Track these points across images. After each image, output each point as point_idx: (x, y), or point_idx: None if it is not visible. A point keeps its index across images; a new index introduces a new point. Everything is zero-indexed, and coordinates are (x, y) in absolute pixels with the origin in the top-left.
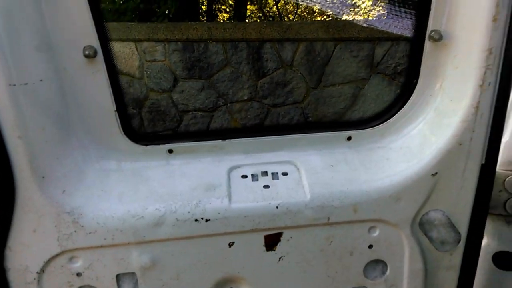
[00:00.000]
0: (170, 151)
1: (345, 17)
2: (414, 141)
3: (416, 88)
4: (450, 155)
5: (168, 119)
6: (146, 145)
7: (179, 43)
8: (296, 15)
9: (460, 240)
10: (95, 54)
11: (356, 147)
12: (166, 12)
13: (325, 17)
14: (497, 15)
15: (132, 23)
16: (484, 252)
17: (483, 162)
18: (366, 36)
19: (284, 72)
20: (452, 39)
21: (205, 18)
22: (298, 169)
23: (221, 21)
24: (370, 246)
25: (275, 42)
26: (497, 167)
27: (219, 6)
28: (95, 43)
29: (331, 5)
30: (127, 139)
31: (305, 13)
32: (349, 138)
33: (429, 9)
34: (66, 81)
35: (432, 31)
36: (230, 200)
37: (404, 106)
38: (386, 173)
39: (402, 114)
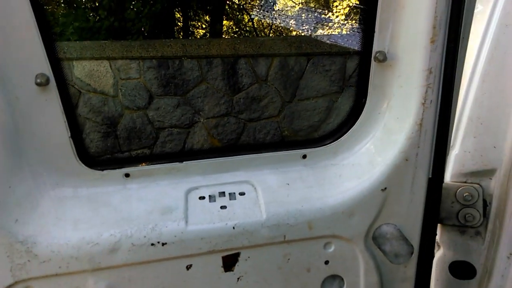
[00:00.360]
0: (127, 175)
1: (318, 32)
2: (365, 158)
3: (365, 107)
4: (398, 170)
5: (144, 136)
6: (102, 170)
7: (153, 60)
8: (271, 31)
9: (413, 252)
10: (47, 82)
11: (311, 164)
12: (142, 30)
13: (298, 32)
14: (434, 37)
15: (106, 41)
16: (440, 262)
17: (430, 176)
18: (338, 51)
19: (259, 87)
20: (395, 60)
21: (181, 34)
22: (255, 188)
23: (196, 37)
24: (327, 262)
25: (250, 58)
26: (449, 179)
27: (195, 23)
28: (47, 71)
29: (304, 20)
30: (82, 165)
31: (280, 28)
32: (304, 156)
33: (373, 31)
34: (18, 110)
35: (377, 52)
36: (186, 222)
37: (355, 125)
38: (339, 189)
39: (353, 132)
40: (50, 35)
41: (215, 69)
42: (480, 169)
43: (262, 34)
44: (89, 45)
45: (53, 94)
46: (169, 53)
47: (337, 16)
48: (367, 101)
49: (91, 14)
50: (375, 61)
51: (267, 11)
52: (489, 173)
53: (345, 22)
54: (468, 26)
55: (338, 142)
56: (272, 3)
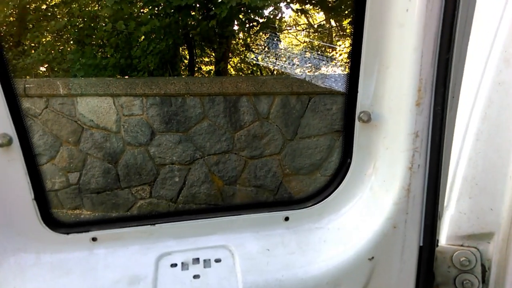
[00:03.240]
0: (94, 239)
1: (321, 71)
2: (350, 222)
3: (351, 167)
4: (385, 238)
5: (145, 173)
6: (68, 233)
7: (157, 97)
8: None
9: None
10: (10, 142)
11: (293, 227)
12: (148, 66)
13: (300, 71)
14: (420, 100)
15: (111, 78)
16: None
17: (421, 244)
18: (339, 90)
19: (260, 124)
20: (380, 121)
21: (186, 72)
22: (232, 254)
23: (199, 75)
24: None
25: (252, 96)
26: (444, 242)
27: (202, 59)
28: (10, 131)
29: (307, 59)
30: (46, 228)
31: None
32: (286, 219)
33: (357, 91)
34: None
35: (361, 112)
36: None
37: (340, 185)
38: (323, 257)
39: (338, 194)
40: (12, 93)
41: (217, 107)
42: (477, 232)
43: (265, 72)
44: (94, 82)
45: (16, 154)
46: (172, 90)
47: (340, 55)
48: (352, 162)
49: (99, 51)
50: (359, 121)
51: (272, 49)
52: (486, 236)
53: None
54: (458, 87)
55: (323, 203)
56: (276, 42)
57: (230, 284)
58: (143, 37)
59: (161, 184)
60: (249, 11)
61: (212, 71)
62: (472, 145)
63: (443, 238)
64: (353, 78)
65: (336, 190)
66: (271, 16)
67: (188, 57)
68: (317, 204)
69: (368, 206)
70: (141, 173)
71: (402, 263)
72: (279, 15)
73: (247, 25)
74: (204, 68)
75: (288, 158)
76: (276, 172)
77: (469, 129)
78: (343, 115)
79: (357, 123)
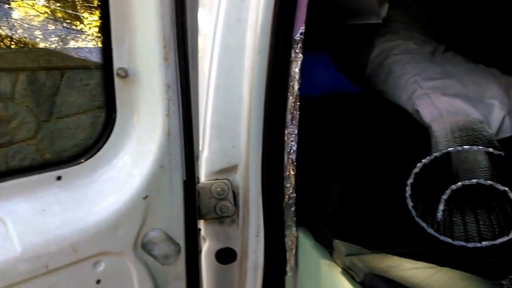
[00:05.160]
0: None
1: (70, 44)
2: (123, 171)
3: (117, 121)
4: (155, 177)
5: None
6: None
7: None
8: (13, 42)
9: (180, 250)
10: None
11: (67, 185)
12: None
13: (47, 44)
14: (167, 55)
15: None
16: (208, 253)
17: (185, 178)
18: (94, 64)
19: (4, 106)
20: (137, 76)
21: None
22: (3, 221)
23: None
24: (98, 281)
25: None
26: (204, 179)
27: None
28: None
29: (52, 31)
30: None
31: (24, 39)
32: (59, 178)
33: (111, 49)
34: None
35: (118, 68)
36: None
37: (109, 139)
38: (101, 206)
39: (108, 147)
40: None
41: None
42: (226, 166)
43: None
44: None
45: None
46: None
47: (90, 29)
48: (117, 116)
49: None
50: (117, 77)
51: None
52: (233, 168)
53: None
54: (196, 47)
55: (94, 158)
56: (8, 11)
57: (5, 250)
58: None
59: None
60: None
61: None
62: (214, 97)
63: (203, 176)
64: (106, 38)
65: (105, 144)
66: None
67: None
68: (89, 160)
69: (137, 153)
70: None
71: (171, 197)
72: None
73: None
74: None
75: (46, 141)
76: (34, 159)
77: (210, 84)
78: (102, 74)
79: (116, 80)
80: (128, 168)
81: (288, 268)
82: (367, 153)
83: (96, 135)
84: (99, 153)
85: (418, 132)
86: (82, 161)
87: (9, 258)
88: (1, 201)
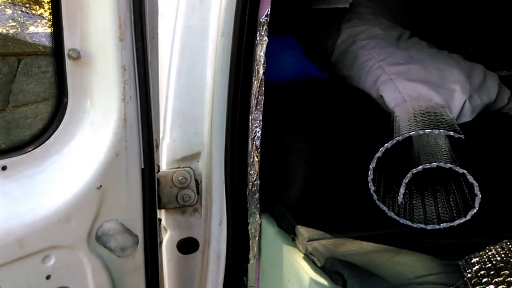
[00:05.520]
0: None
1: (29, 29)
2: (75, 159)
3: (68, 106)
4: (110, 166)
5: None
6: None
7: None
8: None
9: (138, 242)
10: None
11: (14, 176)
12: None
13: (3, 29)
14: (122, 35)
15: None
16: (169, 243)
17: (142, 167)
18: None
19: None
20: (90, 58)
21: None
22: None
23: None
24: (48, 277)
25: None
26: (165, 167)
27: None
28: None
29: (9, 16)
30: None
31: None
32: (4, 168)
33: (62, 29)
34: None
35: (70, 50)
36: None
37: (60, 126)
38: (51, 197)
39: (59, 134)
40: None
41: None
42: (188, 154)
43: None
44: None
45: None
46: None
47: (49, 13)
48: (69, 101)
49: None
50: (69, 59)
51: None
52: (196, 156)
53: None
54: (156, 28)
55: (43, 146)
56: None
57: None
58: None
59: None
60: None
61: None
62: (175, 82)
63: (164, 164)
64: (56, 17)
65: (56, 132)
66: None
67: None
68: (37, 148)
69: (90, 140)
70: None
71: (128, 186)
72: None
73: None
74: None
75: (2, 131)
76: None
77: (172, 68)
78: (52, 56)
79: (67, 61)
80: (81, 156)
81: (251, 256)
82: (330, 138)
83: (46, 121)
84: (48, 141)
85: (381, 118)
86: (30, 149)
87: None
88: None
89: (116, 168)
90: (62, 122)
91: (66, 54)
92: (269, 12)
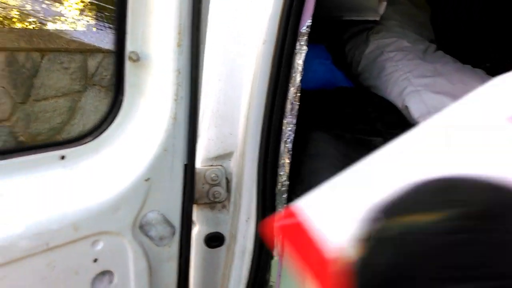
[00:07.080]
0: None
1: (50, 26)
2: (128, 152)
3: (123, 103)
4: (158, 160)
5: None
6: None
7: None
8: None
9: (174, 232)
10: None
11: (71, 165)
12: None
13: (26, 24)
14: (180, 42)
15: None
16: (198, 237)
17: (186, 162)
18: (76, 47)
19: None
20: (149, 60)
21: None
22: (6, 198)
23: None
24: (95, 260)
25: None
26: (199, 165)
27: None
28: None
29: (32, 11)
30: None
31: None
32: (63, 157)
33: (126, 31)
34: None
35: (131, 52)
36: None
37: (115, 120)
38: (104, 187)
39: (114, 128)
40: None
41: None
42: (221, 153)
43: None
44: None
45: None
46: None
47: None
48: (124, 98)
49: None
50: (129, 60)
51: None
52: (228, 155)
53: (86, 18)
54: (205, 34)
55: (99, 139)
56: None
57: (9, 228)
58: None
59: None
60: None
61: None
62: (215, 84)
63: (198, 162)
64: (121, 20)
65: (111, 125)
66: None
67: None
68: (94, 140)
69: (142, 136)
70: None
71: (171, 181)
72: None
73: None
74: None
75: (21, 123)
76: (7, 141)
77: (214, 71)
78: (114, 56)
79: (127, 63)
80: (132, 150)
81: (275, 252)
82: (359, 144)
83: (102, 116)
84: (104, 134)
85: (407, 128)
86: (87, 141)
87: (12, 235)
88: (4, 178)
89: (163, 163)
90: (117, 118)
91: (127, 56)
92: (310, 24)
